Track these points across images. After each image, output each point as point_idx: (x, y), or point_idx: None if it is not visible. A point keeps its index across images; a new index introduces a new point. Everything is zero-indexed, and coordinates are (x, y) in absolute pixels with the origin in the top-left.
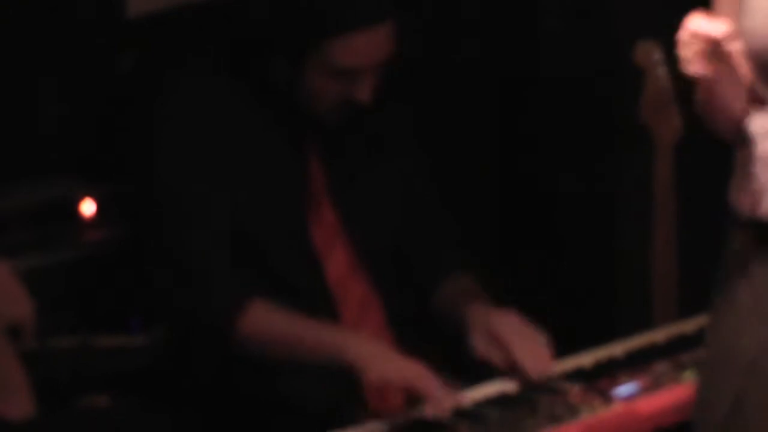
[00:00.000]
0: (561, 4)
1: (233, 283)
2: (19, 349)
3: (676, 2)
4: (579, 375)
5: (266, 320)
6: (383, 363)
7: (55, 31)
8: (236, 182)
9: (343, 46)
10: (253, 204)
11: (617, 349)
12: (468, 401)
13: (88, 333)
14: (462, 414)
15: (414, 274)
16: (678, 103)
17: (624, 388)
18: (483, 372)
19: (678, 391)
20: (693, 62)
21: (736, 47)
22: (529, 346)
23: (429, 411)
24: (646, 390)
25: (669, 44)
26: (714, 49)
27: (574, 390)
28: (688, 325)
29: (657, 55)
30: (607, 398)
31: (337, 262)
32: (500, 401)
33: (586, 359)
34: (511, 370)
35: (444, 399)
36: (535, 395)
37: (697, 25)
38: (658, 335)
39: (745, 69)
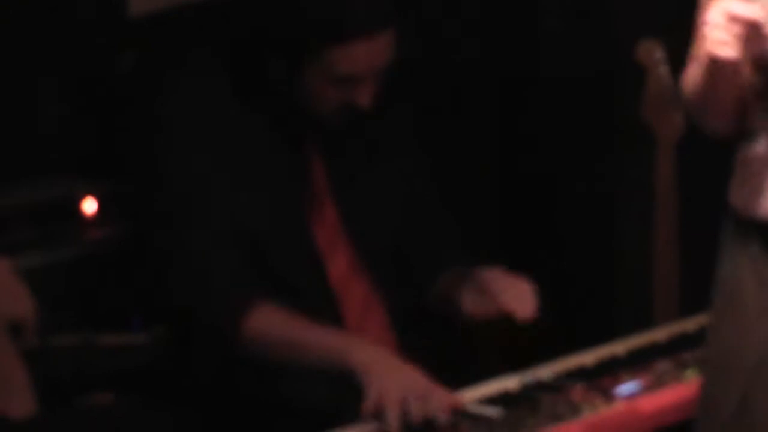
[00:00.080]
0: (561, 3)
1: (236, 285)
2: (21, 347)
3: (677, 1)
4: (581, 374)
5: (269, 323)
6: (384, 374)
7: (56, 30)
8: (237, 182)
9: (344, 53)
10: (255, 204)
11: (619, 347)
12: (469, 400)
13: (90, 331)
14: (463, 413)
15: (414, 273)
16: (679, 102)
17: (626, 387)
18: (483, 371)
19: (680, 390)
20: (728, 45)
21: None
22: (514, 292)
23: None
24: (648, 389)
25: (670, 43)
26: (752, 33)
27: (576, 389)
28: (690, 324)
29: (659, 53)
30: (608, 397)
31: (339, 262)
32: (501, 400)
33: (587, 358)
34: (499, 316)
35: (441, 414)
36: (536, 394)
37: (734, 7)
38: (659, 334)
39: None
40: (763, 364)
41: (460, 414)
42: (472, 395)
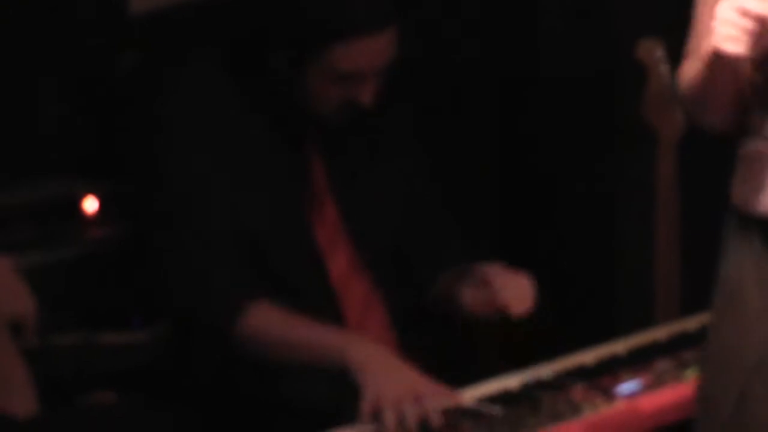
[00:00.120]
0: (561, 3)
1: (234, 284)
2: (22, 346)
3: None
4: (581, 373)
5: (266, 321)
6: (380, 374)
7: (56, 30)
8: (237, 182)
9: (347, 51)
10: (255, 204)
11: (619, 346)
12: (469, 399)
13: (90, 330)
14: (464, 412)
15: (414, 273)
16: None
17: (626, 386)
18: (484, 370)
19: (680, 389)
20: (736, 41)
21: None
22: (513, 287)
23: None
24: (649, 388)
25: (671, 42)
26: (762, 29)
27: (577, 388)
28: (691, 323)
29: (659, 52)
30: (609, 396)
31: (340, 261)
32: (502, 399)
33: (588, 357)
34: (497, 312)
35: (436, 414)
36: (537, 393)
37: (746, 2)
38: (660, 333)
39: None
40: (762, 363)
41: (459, 413)
42: (472, 394)
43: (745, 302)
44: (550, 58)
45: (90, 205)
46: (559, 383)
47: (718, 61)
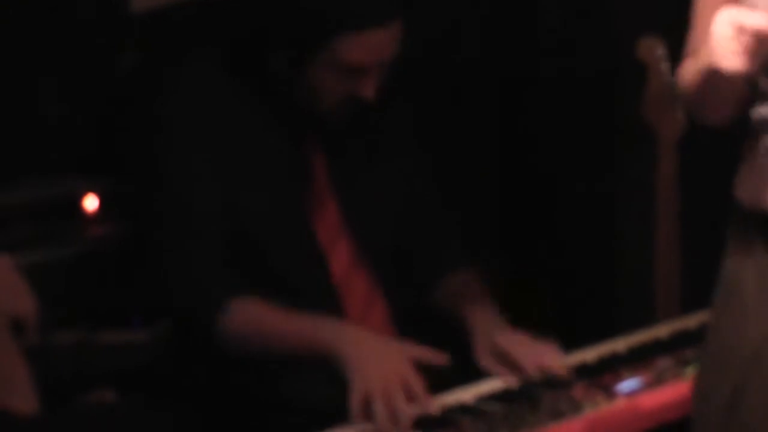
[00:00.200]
0: (561, 3)
1: (217, 282)
2: (22, 345)
3: None
4: (582, 370)
5: (248, 317)
6: (367, 366)
7: (57, 29)
8: (238, 180)
9: (354, 42)
10: (256, 201)
11: (620, 344)
12: (470, 396)
13: (90, 329)
14: (464, 410)
15: (415, 271)
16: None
17: (627, 384)
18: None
19: (681, 387)
20: (735, 57)
21: None
22: (537, 358)
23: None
24: (649, 385)
25: (671, 40)
26: (760, 43)
27: (577, 385)
28: (691, 321)
29: (660, 51)
30: (609, 394)
31: (341, 258)
32: (503, 396)
33: (588, 355)
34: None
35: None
36: (537, 391)
37: (740, 18)
38: (660, 331)
39: None
40: (759, 357)
41: (460, 411)
42: (473, 392)
43: (744, 298)
44: (550, 57)
45: (90, 203)
46: (560, 381)
47: (717, 75)
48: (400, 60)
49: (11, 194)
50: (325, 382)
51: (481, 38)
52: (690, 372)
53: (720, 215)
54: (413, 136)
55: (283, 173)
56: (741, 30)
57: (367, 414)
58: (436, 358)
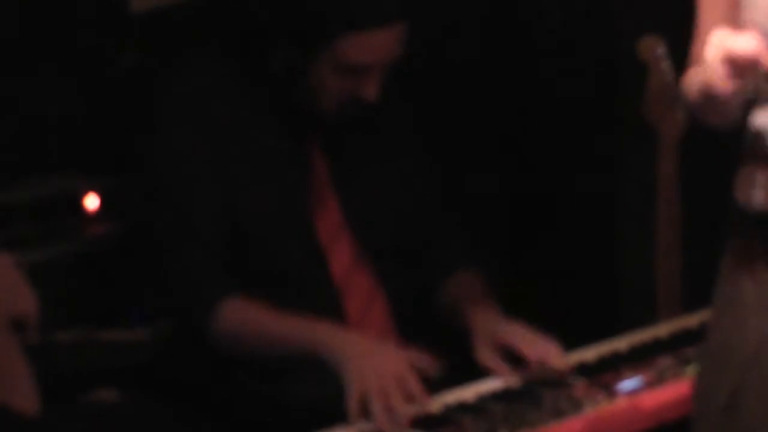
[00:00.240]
0: (561, 3)
1: (211, 282)
2: (23, 343)
3: None
4: (583, 369)
5: (240, 317)
6: (362, 366)
7: (58, 28)
8: (239, 179)
9: (356, 43)
10: (257, 200)
11: (621, 343)
12: (471, 395)
13: (92, 327)
14: (465, 408)
15: (416, 271)
16: (682, 99)
17: (628, 383)
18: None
19: (681, 386)
20: (727, 80)
21: None
22: (539, 350)
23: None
24: (650, 385)
25: (672, 39)
26: (749, 66)
27: (578, 384)
28: (692, 320)
29: (660, 49)
30: (610, 393)
31: (342, 256)
32: (504, 395)
33: (589, 354)
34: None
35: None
36: (538, 389)
37: (728, 43)
38: (661, 330)
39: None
40: (757, 357)
41: (461, 409)
42: (474, 391)
43: (744, 297)
44: (550, 56)
45: (91, 202)
46: (561, 379)
47: (711, 95)
48: (401, 60)
49: (12, 193)
50: (323, 382)
51: (481, 38)
52: (691, 371)
53: (720, 215)
54: (413, 135)
55: (284, 172)
56: (729, 56)
57: (365, 414)
58: (429, 365)
